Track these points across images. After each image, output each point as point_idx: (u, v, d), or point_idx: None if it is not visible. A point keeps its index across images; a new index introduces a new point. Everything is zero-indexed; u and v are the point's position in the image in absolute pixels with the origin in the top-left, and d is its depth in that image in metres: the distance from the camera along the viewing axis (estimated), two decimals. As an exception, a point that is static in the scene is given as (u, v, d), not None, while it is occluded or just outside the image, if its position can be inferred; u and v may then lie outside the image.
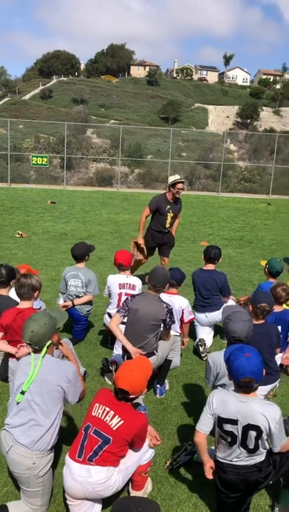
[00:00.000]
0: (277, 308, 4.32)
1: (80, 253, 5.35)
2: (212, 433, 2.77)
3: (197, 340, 5.23)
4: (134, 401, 3.01)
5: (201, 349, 5.08)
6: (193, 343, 5.31)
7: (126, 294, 4.81)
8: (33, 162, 22.86)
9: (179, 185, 6.71)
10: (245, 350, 2.64)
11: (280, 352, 4.33)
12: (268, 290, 4.51)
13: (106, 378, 4.51)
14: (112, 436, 2.74)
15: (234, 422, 2.61)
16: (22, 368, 2.90)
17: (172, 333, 4.34)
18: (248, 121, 71.45)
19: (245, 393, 2.64)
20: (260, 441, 2.61)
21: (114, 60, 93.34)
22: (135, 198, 19.23)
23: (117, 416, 2.78)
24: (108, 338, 5.24)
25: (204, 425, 2.74)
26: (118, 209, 15.56)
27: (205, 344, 5.14)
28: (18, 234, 10.65)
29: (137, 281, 5.05)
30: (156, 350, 4.10)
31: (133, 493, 3.03)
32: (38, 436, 2.76)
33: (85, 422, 2.88)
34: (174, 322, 4.23)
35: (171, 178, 6.83)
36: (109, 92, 77.99)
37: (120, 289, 4.95)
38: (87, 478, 2.70)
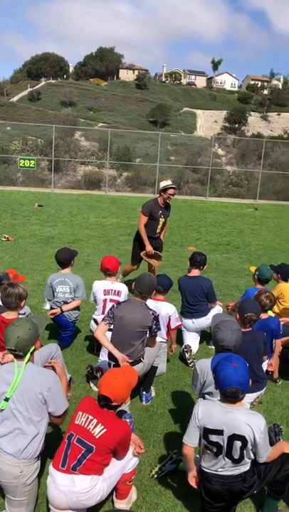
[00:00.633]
0: (262, 316, 4.33)
1: (66, 258, 5.31)
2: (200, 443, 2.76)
3: (183, 346, 5.23)
4: (120, 408, 2.99)
5: (186, 355, 5.08)
6: (179, 349, 5.31)
7: (111, 301, 4.79)
8: (21, 164, 22.66)
9: (171, 191, 6.71)
10: (232, 360, 2.62)
11: (267, 359, 4.34)
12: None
13: (92, 385, 4.48)
14: (95, 445, 2.71)
15: (220, 432, 2.61)
16: (2, 375, 2.85)
17: (158, 339, 4.32)
18: (236, 126, 71.91)
19: (230, 403, 2.63)
20: (245, 451, 2.61)
21: (103, 63, 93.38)
22: (123, 201, 19.21)
23: (100, 424, 2.76)
24: (94, 345, 5.21)
25: (191, 438, 2.73)
26: (106, 213, 15.52)
27: (191, 350, 5.14)
28: (5, 237, 10.53)
29: (122, 287, 5.03)
30: (143, 357, 4.09)
31: (117, 502, 3.01)
32: (25, 445, 2.73)
33: (68, 431, 2.85)
34: (159, 329, 4.22)
35: (163, 183, 6.84)
36: (97, 95, 77.87)
37: (105, 295, 4.93)
38: (71, 488, 2.67)
